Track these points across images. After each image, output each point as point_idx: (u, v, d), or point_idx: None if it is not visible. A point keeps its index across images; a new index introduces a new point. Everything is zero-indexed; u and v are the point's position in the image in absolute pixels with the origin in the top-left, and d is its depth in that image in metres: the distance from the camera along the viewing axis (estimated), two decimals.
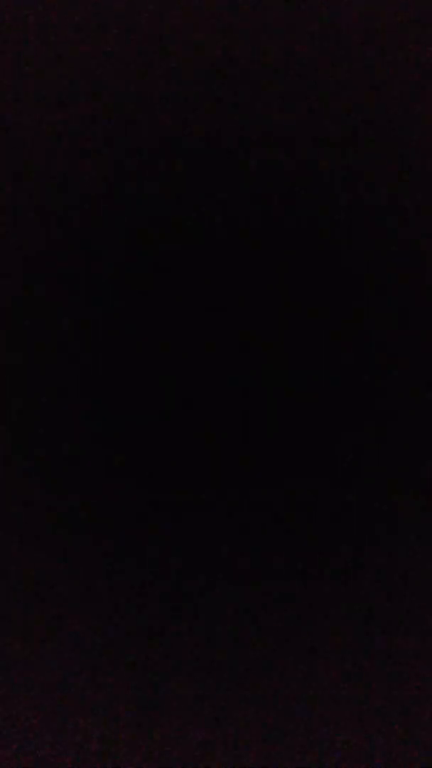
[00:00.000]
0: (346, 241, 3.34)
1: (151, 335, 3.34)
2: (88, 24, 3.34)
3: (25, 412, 3.36)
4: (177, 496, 3.35)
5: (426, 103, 3.33)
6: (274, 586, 3.33)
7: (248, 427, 3.35)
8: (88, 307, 3.35)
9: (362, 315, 3.34)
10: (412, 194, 3.34)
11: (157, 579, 3.34)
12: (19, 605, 3.33)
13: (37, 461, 3.36)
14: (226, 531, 3.35)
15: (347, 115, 3.34)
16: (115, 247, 3.35)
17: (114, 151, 3.35)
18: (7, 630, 3.31)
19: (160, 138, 3.36)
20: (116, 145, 3.36)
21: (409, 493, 3.33)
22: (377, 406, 3.35)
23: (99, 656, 3.29)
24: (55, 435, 3.36)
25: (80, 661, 3.28)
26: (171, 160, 3.35)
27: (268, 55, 3.33)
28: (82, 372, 3.36)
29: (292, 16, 3.29)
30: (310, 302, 3.33)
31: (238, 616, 3.31)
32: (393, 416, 3.35)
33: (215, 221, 3.28)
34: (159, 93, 3.35)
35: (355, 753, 3.11)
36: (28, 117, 3.35)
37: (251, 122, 3.35)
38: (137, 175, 3.35)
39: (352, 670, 3.26)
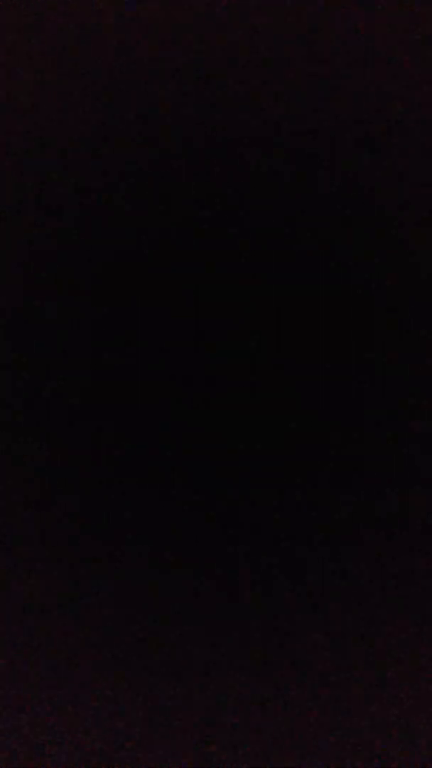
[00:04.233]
0: (346, 244, 3.34)
1: (151, 336, 3.34)
2: (88, 23, 3.34)
3: (26, 415, 3.36)
4: (177, 495, 3.36)
5: (426, 102, 3.33)
6: (274, 586, 3.34)
7: (247, 428, 3.35)
8: (89, 311, 3.35)
9: (362, 316, 3.34)
10: (412, 194, 3.34)
11: (156, 579, 3.35)
12: (19, 606, 3.33)
13: (38, 462, 3.36)
14: (225, 531, 3.35)
15: (348, 116, 3.34)
16: (116, 246, 3.35)
17: (114, 151, 3.36)
18: (7, 630, 3.31)
19: (160, 138, 3.36)
20: (116, 146, 3.36)
21: (409, 494, 3.33)
22: (376, 405, 3.36)
23: (99, 656, 3.29)
24: (55, 435, 3.36)
25: (80, 662, 3.29)
26: (171, 161, 3.35)
27: (269, 53, 3.34)
28: (82, 373, 3.36)
29: (291, 16, 3.29)
30: (310, 301, 3.34)
31: (238, 616, 3.32)
32: (392, 415, 3.35)
33: (214, 224, 3.29)
34: (159, 92, 3.36)
35: (354, 753, 3.12)
36: (28, 119, 3.35)
37: (250, 122, 3.35)
38: (137, 177, 3.35)
39: (352, 669, 3.27)
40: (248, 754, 3.07)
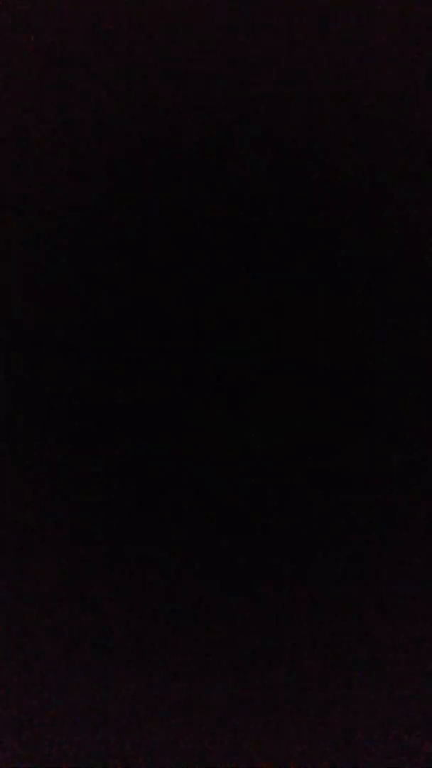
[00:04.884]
0: (347, 246, 3.34)
1: (151, 338, 3.34)
2: (87, 24, 3.34)
3: (25, 415, 3.37)
4: (177, 496, 3.36)
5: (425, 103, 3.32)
6: (274, 587, 3.34)
7: (247, 429, 3.35)
8: (88, 312, 3.35)
9: (362, 318, 3.34)
10: (412, 193, 3.34)
11: (157, 580, 3.35)
12: (19, 607, 3.33)
13: (38, 463, 3.36)
14: (225, 532, 3.35)
15: (347, 114, 3.34)
16: (115, 248, 3.35)
17: (113, 152, 3.35)
18: (7, 631, 3.31)
19: (159, 138, 3.36)
20: (116, 147, 3.36)
21: (409, 496, 3.33)
22: (377, 407, 3.35)
23: (99, 657, 3.29)
24: (55, 436, 3.36)
25: (80, 663, 3.29)
26: (170, 161, 3.35)
27: (268, 51, 3.33)
28: (82, 373, 3.36)
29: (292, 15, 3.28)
30: (310, 302, 3.33)
31: (238, 617, 3.32)
32: (393, 418, 3.35)
33: (214, 225, 3.29)
34: (158, 93, 3.36)
35: (355, 754, 3.12)
36: (27, 119, 3.35)
37: (250, 122, 3.35)
38: (136, 177, 3.35)
39: (353, 671, 3.27)
40: (248, 754, 3.07)
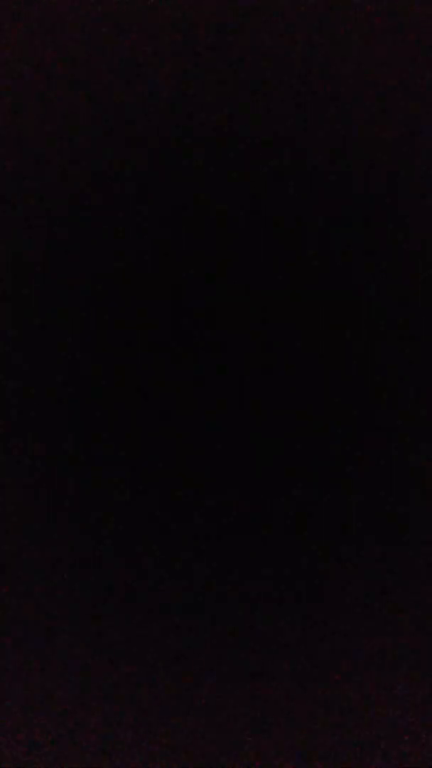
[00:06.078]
0: (346, 246, 3.34)
1: (151, 339, 3.34)
2: (87, 23, 3.34)
3: (25, 415, 3.37)
4: (177, 495, 3.36)
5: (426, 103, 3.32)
6: (274, 587, 3.34)
7: (247, 429, 3.35)
8: (88, 312, 3.35)
9: (362, 318, 3.34)
10: (412, 194, 3.34)
11: (157, 581, 3.35)
12: (20, 608, 3.34)
13: (38, 464, 3.36)
14: (226, 532, 3.35)
15: (348, 116, 3.34)
16: (115, 249, 3.35)
17: (114, 153, 3.35)
18: (8, 633, 3.32)
19: (160, 138, 3.36)
20: (116, 148, 3.36)
21: (409, 495, 3.33)
22: (377, 406, 3.35)
23: (99, 658, 3.29)
24: (55, 438, 3.37)
25: (80, 664, 3.29)
26: (171, 162, 3.35)
27: (269, 50, 3.33)
28: (82, 374, 3.36)
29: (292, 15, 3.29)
30: (309, 302, 3.33)
31: (238, 617, 3.32)
32: (393, 417, 3.35)
33: (214, 226, 3.29)
34: (158, 93, 3.36)
35: (355, 754, 3.12)
36: (27, 119, 3.35)
37: (251, 123, 3.35)
38: (137, 178, 3.35)
39: (353, 670, 3.27)
40: (248, 754, 3.07)
